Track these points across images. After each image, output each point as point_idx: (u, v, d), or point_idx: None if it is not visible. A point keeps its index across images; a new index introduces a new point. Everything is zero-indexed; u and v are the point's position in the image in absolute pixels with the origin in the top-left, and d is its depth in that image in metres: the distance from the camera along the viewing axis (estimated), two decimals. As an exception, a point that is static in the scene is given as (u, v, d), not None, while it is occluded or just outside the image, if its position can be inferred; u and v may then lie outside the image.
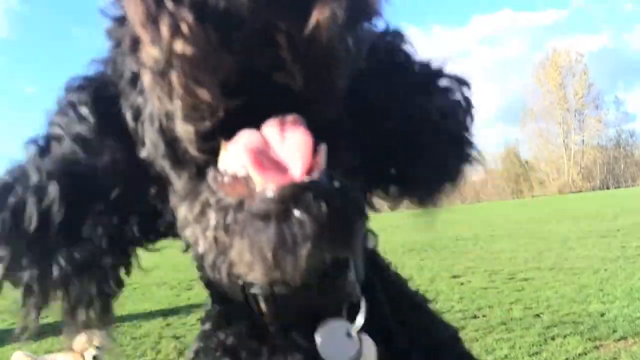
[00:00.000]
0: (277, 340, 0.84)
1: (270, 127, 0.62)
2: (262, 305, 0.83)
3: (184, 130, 0.64)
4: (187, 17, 0.53)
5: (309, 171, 0.57)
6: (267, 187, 0.56)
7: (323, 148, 0.61)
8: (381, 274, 0.96)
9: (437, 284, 8.94)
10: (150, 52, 0.57)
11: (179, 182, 0.72)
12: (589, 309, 6.33)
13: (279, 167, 0.58)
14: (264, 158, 0.59)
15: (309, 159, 0.58)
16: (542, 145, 72.85)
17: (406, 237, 18.42)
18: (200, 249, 0.66)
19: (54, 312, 0.83)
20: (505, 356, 5.00)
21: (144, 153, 0.75)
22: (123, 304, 10.15)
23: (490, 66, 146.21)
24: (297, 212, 0.55)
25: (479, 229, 19.93)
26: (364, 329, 0.84)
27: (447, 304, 7.29)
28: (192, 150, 0.66)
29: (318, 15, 0.55)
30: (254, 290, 0.81)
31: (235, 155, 0.62)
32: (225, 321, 0.90)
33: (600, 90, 70.60)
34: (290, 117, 0.62)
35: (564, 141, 70.49)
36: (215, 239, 0.62)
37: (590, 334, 5.36)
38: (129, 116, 0.76)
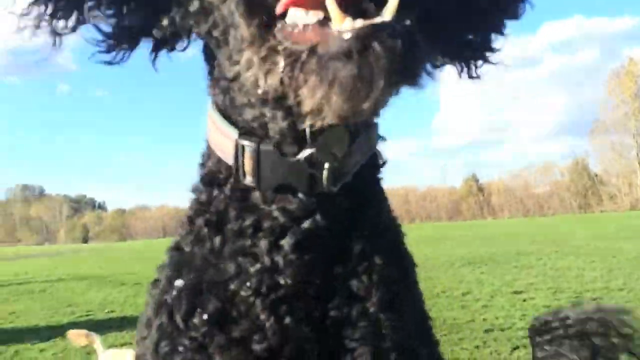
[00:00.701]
0: (261, 207, 0.92)
1: None
2: (250, 170, 0.91)
3: None
4: None
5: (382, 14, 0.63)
6: (344, 27, 0.63)
7: None
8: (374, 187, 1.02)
9: (497, 300, 8.69)
10: None
11: (246, 29, 0.76)
12: (662, 335, 5.96)
13: (353, 10, 0.64)
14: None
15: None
16: (613, 158, 69.47)
17: (465, 250, 18.01)
18: (261, 88, 0.73)
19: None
20: (570, 379, 4.81)
21: None
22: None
23: (561, 74, 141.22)
24: (375, 46, 0.61)
25: (543, 243, 19.20)
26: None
27: (508, 320, 7.07)
28: None
29: None
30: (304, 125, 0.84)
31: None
32: (211, 184, 0.99)
33: (679, 101, 66.73)
34: None
35: (637, 154, 66.97)
36: (282, 81, 0.69)
37: (663, 361, 5.05)
38: None
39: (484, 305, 8.31)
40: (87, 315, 9.79)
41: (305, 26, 0.68)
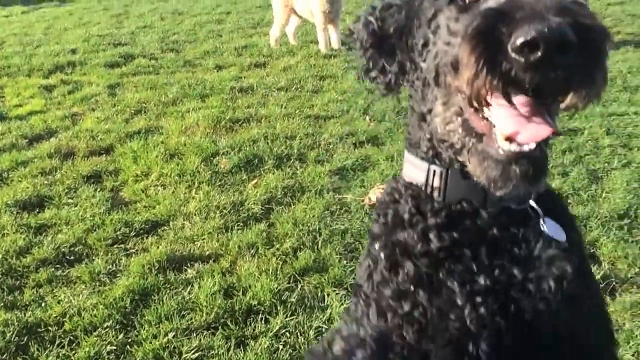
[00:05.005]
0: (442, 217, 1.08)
1: (526, 106, 0.85)
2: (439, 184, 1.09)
3: (460, 78, 0.83)
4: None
5: (533, 144, 0.83)
6: (502, 144, 0.84)
7: (549, 127, 0.83)
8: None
9: None
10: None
11: (440, 93, 0.98)
12: None
13: (519, 133, 0.84)
14: (517, 123, 0.85)
15: (538, 139, 0.83)
16: None
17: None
18: (449, 138, 0.97)
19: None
20: None
21: (423, 65, 1.03)
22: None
23: None
24: (514, 168, 0.84)
25: None
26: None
27: None
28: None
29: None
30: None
31: (499, 111, 0.86)
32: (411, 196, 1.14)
33: None
34: (540, 106, 0.86)
35: None
36: (459, 140, 0.93)
37: None
38: (419, 42, 1.04)
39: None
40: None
41: (485, 119, 0.89)
